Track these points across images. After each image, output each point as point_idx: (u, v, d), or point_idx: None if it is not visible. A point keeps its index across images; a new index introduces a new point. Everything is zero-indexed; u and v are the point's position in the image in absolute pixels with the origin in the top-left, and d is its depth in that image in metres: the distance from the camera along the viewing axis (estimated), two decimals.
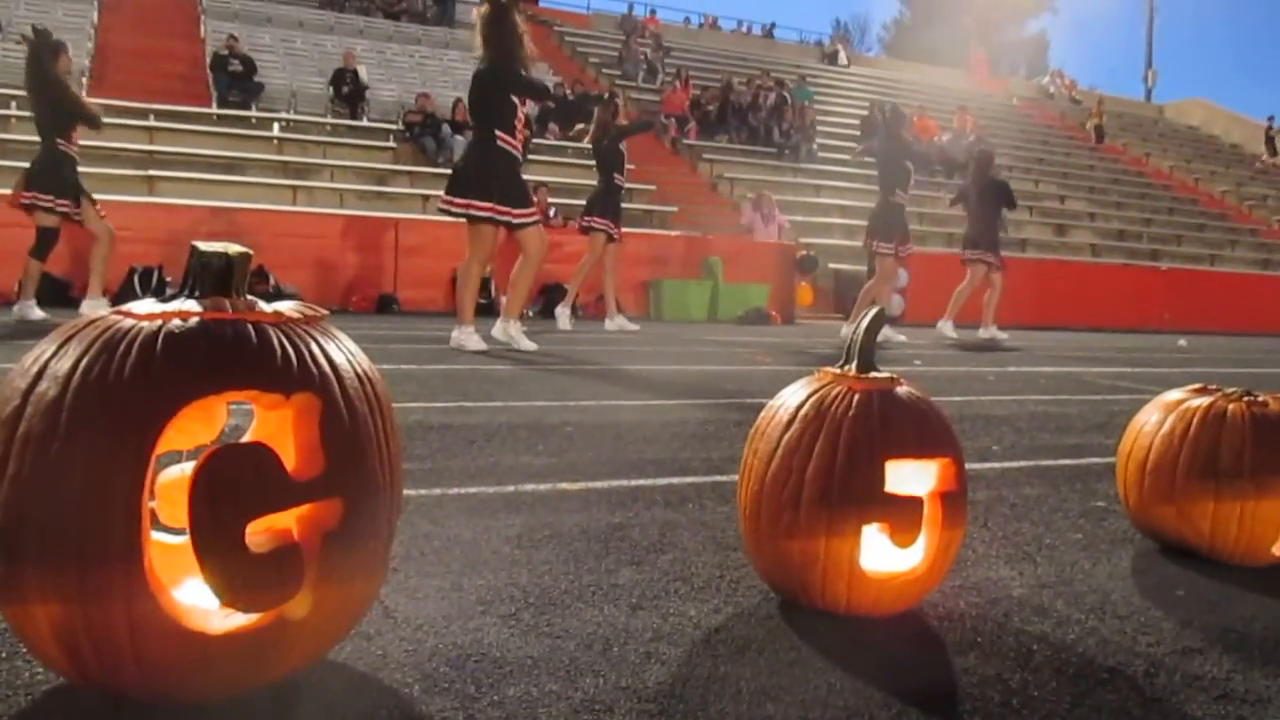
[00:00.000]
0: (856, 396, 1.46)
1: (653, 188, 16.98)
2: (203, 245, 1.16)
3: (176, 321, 1.06)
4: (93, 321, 1.09)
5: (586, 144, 10.20)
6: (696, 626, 1.43)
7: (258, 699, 1.12)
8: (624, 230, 9.99)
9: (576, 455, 2.73)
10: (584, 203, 10.00)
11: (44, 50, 7.36)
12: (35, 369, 1.05)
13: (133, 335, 1.04)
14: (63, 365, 1.03)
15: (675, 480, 2.44)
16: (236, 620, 1.05)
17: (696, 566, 1.73)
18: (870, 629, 1.44)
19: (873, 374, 1.51)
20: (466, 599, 1.50)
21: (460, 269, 6.64)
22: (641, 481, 2.40)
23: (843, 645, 1.38)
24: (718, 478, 2.48)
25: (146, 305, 1.10)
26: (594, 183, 10.08)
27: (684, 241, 14.28)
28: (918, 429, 1.45)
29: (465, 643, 1.33)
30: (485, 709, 1.14)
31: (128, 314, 1.08)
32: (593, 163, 10.14)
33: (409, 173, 15.65)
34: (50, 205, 7.40)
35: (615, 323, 9.81)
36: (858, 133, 21.68)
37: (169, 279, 10.17)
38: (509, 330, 6.68)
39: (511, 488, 2.27)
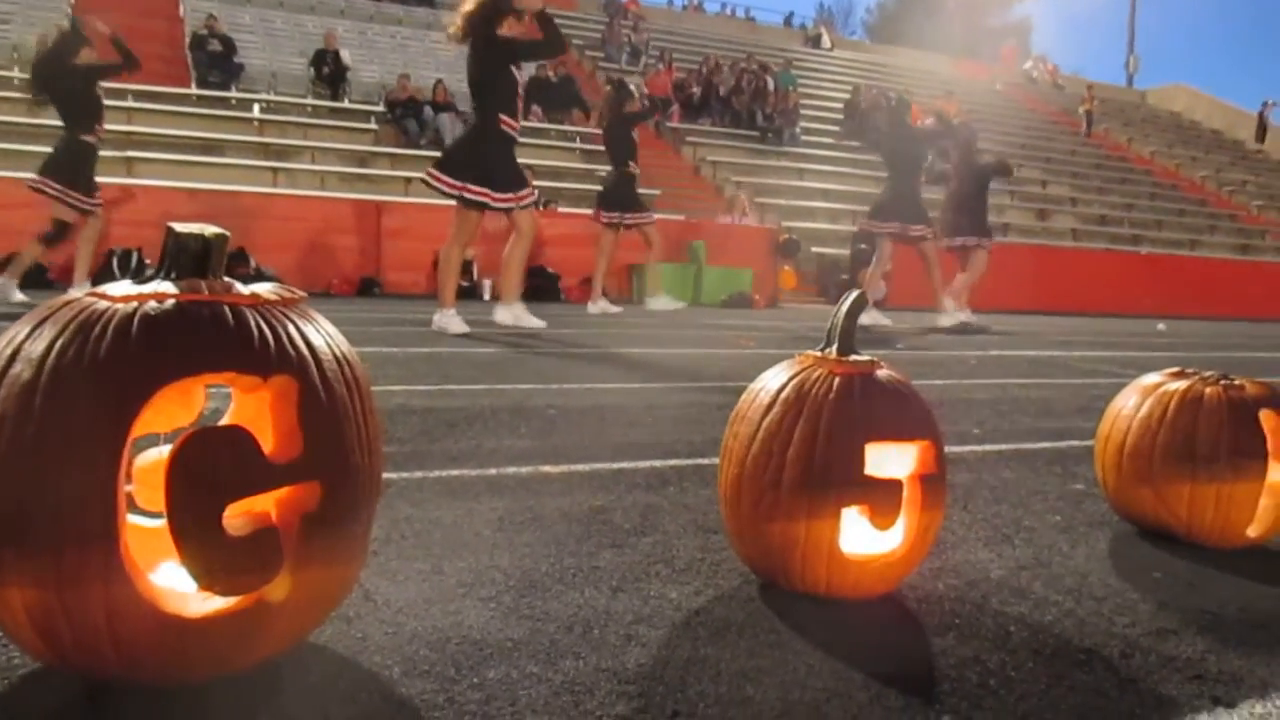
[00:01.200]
0: (837, 380, 1.46)
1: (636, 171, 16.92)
2: (179, 227, 1.14)
3: (153, 304, 1.05)
4: (67, 303, 1.07)
5: (596, 128, 10.18)
6: (677, 609, 1.44)
7: (238, 682, 1.12)
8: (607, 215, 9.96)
9: (559, 438, 2.73)
10: (584, 189, 10.01)
11: (72, 42, 7.32)
12: (9, 351, 1.04)
13: (108, 317, 1.03)
14: (37, 347, 1.02)
15: (657, 463, 2.44)
16: (215, 604, 1.05)
17: (677, 549, 1.73)
18: (850, 611, 1.45)
19: (853, 357, 1.51)
20: (447, 582, 1.50)
21: (442, 252, 6.60)
22: (624, 464, 2.41)
23: (822, 627, 1.39)
24: (700, 460, 2.49)
25: (122, 287, 1.09)
26: (576, 166, 10.06)
27: (667, 226, 14.25)
28: (898, 412, 1.46)
29: (446, 625, 1.33)
30: (465, 691, 1.14)
31: (103, 296, 1.07)
32: (577, 146, 10.11)
33: (391, 154, 15.57)
34: (60, 195, 7.36)
35: (599, 306, 9.81)
36: (840, 116, 21.69)
37: (148, 261, 10.10)
38: (514, 312, 6.66)
39: (493, 470, 2.27)
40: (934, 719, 1.13)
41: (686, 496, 2.12)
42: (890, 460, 1.45)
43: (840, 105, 22.12)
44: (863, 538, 1.44)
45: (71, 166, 7.42)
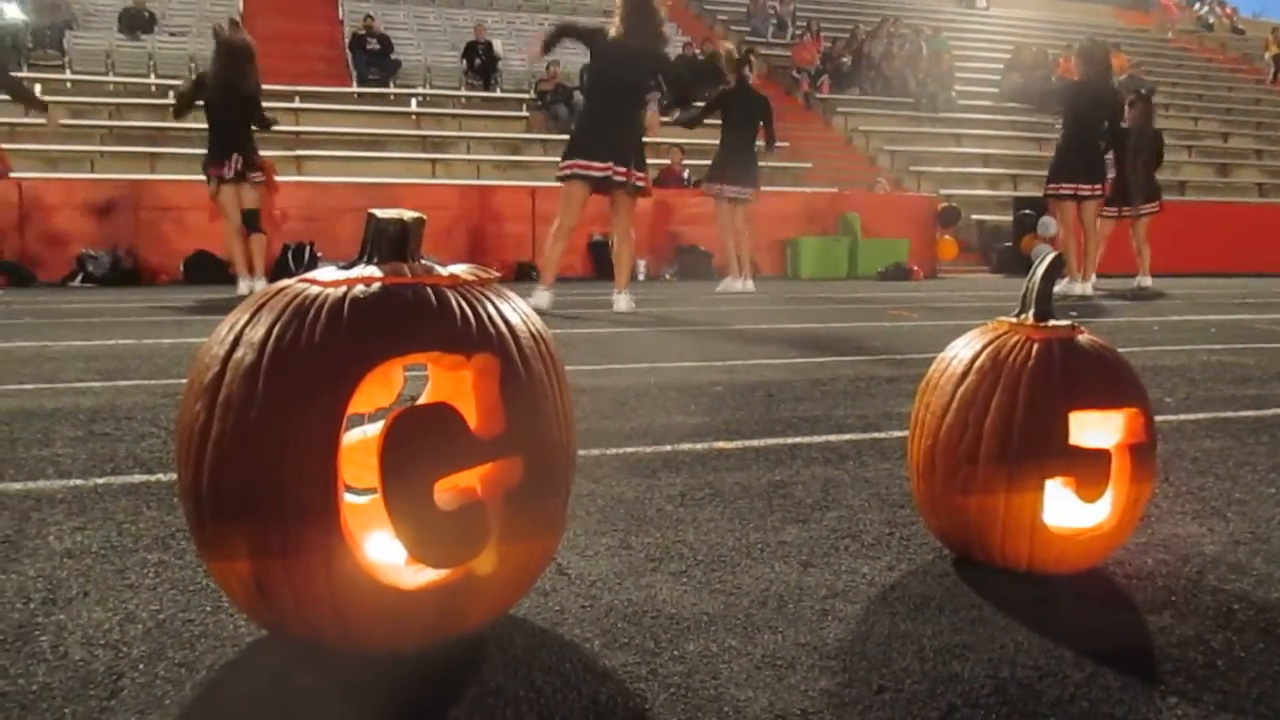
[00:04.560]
0: (1035, 346, 1.39)
1: (785, 144, 16.63)
2: (379, 212, 1.18)
3: (360, 287, 1.09)
4: (281, 290, 1.12)
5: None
6: (870, 584, 1.41)
7: (445, 651, 1.15)
8: (760, 190, 9.64)
9: (729, 414, 2.71)
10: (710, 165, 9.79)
11: (245, 57, 7.77)
12: (231, 337, 1.09)
13: (320, 302, 1.07)
14: (257, 333, 1.07)
15: (833, 438, 2.40)
16: (427, 575, 1.08)
17: (864, 524, 1.70)
18: (1053, 587, 1.39)
19: (1052, 322, 1.44)
20: (636, 556, 1.51)
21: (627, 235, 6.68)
22: (798, 439, 2.38)
23: (1026, 603, 1.33)
24: (876, 435, 2.43)
25: (330, 272, 1.13)
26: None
27: (820, 198, 14.02)
28: (1102, 378, 1.38)
29: (640, 599, 1.34)
30: (667, 664, 1.14)
31: (313, 281, 1.12)
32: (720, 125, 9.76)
33: (542, 141, 15.82)
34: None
35: (723, 284, 9.51)
36: (998, 78, 20.84)
37: (319, 255, 10.57)
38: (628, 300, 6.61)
39: (668, 447, 2.28)
40: (1158, 700, 1.07)
41: (867, 470, 2.08)
42: (1095, 429, 1.37)
43: (999, 66, 21.23)
44: (1067, 510, 1.37)
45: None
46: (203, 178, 8.08)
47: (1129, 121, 9.58)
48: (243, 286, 7.97)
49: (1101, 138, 8.51)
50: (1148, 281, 9.87)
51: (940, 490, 1.43)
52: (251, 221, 8.10)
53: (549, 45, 6.72)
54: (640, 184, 6.41)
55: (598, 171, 6.28)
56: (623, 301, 6.53)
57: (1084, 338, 1.43)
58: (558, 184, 6.60)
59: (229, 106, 7.77)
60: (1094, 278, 8.94)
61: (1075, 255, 8.61)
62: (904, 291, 9.79)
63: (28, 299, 6.49)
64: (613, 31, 6.39)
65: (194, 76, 8.32)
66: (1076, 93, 8.59)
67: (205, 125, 7.97)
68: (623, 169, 6.28)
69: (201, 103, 7.93)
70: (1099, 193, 8.57)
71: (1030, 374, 1.37)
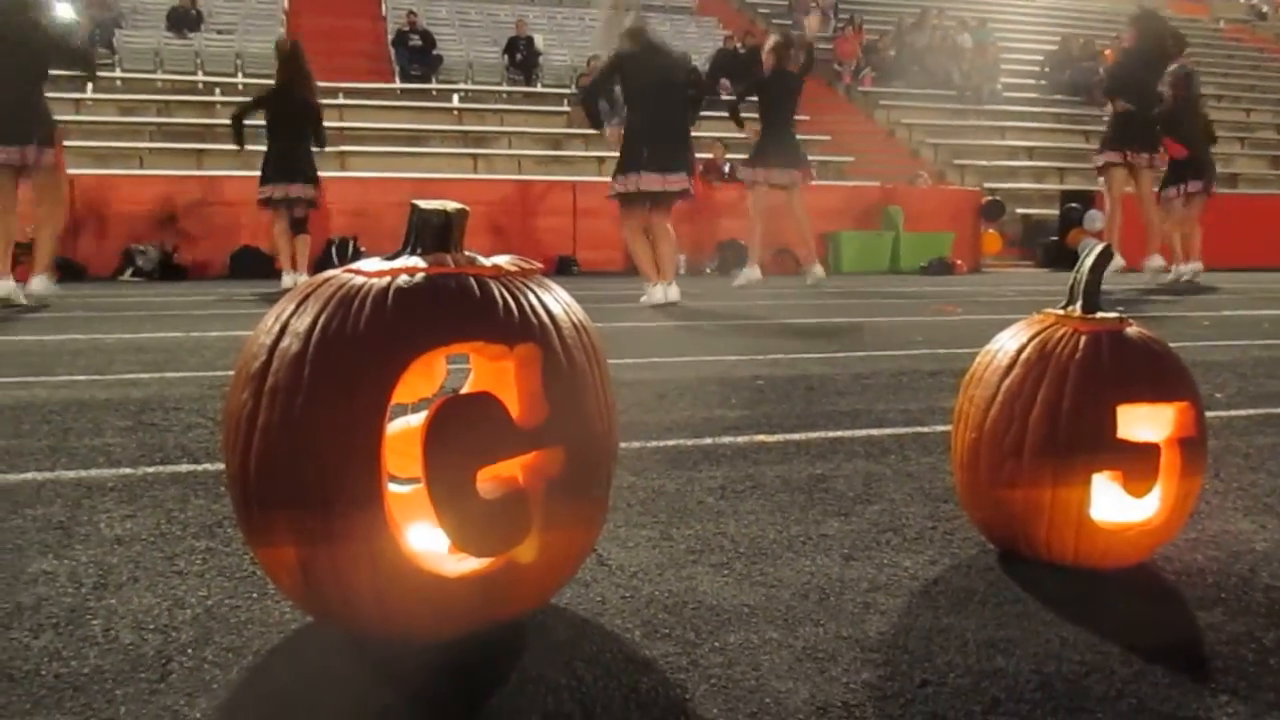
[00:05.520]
0: (1083, 338, 1.37)
1: (827, 138, 16.58)
2: (422, 203, 1.19)
3: (404, 277, 1.10)
4: (326, 280, 1.13)
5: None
6: (913, 578, 1.40)
7: (486, 640, 1.16)
8: (808, 170, 9.45)
9: (770, 408, 2.70)
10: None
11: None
12: (278, 326, 1.10)
13: (365, 291, 1.08)
14: (303, 322, 1.08)
15: (874, 432, 2.38)
16: (469, 564, 1.09)
17: (906, 517, 1.68)
18: (1099, 582, 1.37)
19: (1100, 314, 1.42)
20: (677, 548, 1.51)
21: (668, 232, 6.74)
22: (839, 433, 2.36)
23: (1072, 598, 1.31)
24: (919, 429, 2.41)
25: (374, 263, 1.14)
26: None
27: (862, 192, 13.91)
28: (1152, 371, 1.36)
29: (680, 590, 1.34)
30: (707, 655, 1.14)
31: (358, 271, 1.13)
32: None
33: (583, 135, 15.83)
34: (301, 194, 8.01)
35: (742, 276, 9.36)
36: (1045, 69, 20.55)
37: (363, 249, 10.67)
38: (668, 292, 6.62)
39: (709, 440, 2.28)
40: (1208, 698, 1.05)
41: (909, 464, 2.06)
42: (1144, 423, 1.35)
43: (1043, 57, 20.93)
44: (1115, 505, 1.36)
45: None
46: (248, 173, 8.20)
47: (1173, 99, 9.33)
48: (286, 280, 8.07)
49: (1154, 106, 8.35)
50: (1194, 267, 9.47)
51: (984, 484, 1.41)
52: (298, 223, 8.20)
53: (600, 96, 6.83)
54: (676, 189, 6.45)
55: (647, 186, 6.44)
56: (668, 292, 6.57)
57: (1133, 330, 1.41)
58: (599, 179, 6.66)
59: (294, 121, 7.88)
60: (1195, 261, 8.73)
61: (1116, 233, 8.38)
62: (947, 286, 9.69)
63: (79, 293, 6.62)
64: (629, 43, 6.47)
65: (252, 98, 8.45)
66: (1129, 62, 8.41)
67: (249, 123, 8.05)
68: (667, 178, 6.37)
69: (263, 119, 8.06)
70: (1154, 163, 8.38)
71: (1078, 366, 1.35)
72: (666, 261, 6.70)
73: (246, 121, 7.99)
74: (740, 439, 2.29)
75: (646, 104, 6.59)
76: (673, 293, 6.60)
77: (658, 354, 3.92)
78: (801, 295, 8.01)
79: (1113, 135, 8.46)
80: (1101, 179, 8.81)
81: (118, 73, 15.55)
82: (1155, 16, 8.52)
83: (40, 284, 6.49)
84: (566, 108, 16.85)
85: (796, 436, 2.32)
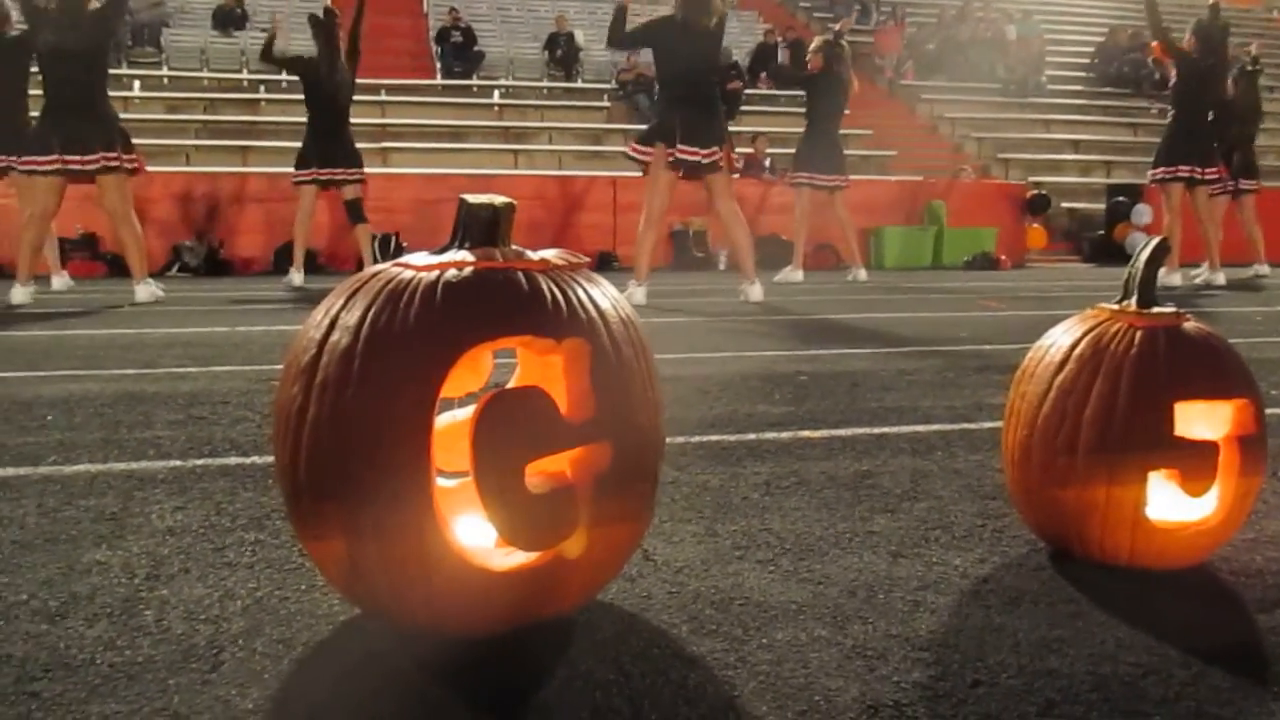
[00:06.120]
0: (1139, 334, 1.35)
1: (869, 132, 16.44)
2: (470, 197, 1.19)
3: (453, 271, 1.10)
4: (375, 274, 1.14)
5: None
6: (963, 576, 1.38)
7: (533, 634, 1.16)
8: (846, 175, 9.40)
9: (813, 404, 2.68)
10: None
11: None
12: (327, 321, 1.11)
13: (414, 286, 1.08)
14: (352, 317, 1.09)
15: (920, 428, 2.36)
16: (517, 558, 1.09)
17: (954, 515, 1.66)
18: (1156, 583, 1.35)
19: (1156, 310, 1.39)
20: (722, 544, 1.51)
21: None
22: (885, 429, 2.34)
23: (1127, 599, 1.29)
24: (965, 425, 2.38)
25: (423, 257, 1.14)
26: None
27: (904, 187, 13.78)
28: (1210, 368, 1.33)
29: (726, 586, 1.33)
30: (755, 651, 1.13)
31: (407, 265, 1.13)
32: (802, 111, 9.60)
33: (624, 131, 15.83)
34: (345, 177, 8.07)
35: (783, 274, 9.27)
36: (1094, 60, 20.24)
37: (405, 245, 10.74)
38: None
39: (752, 436, 2.26)
40: (1270, 702, 1.03)
41: (956, 461, 2.04)
42: (1202, 420, 1.32)
43: (1091, 49, 20.60)
44: (1172, 504, 1.33)
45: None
46: (279, 170, 8.25)
47: (1234, 95, 9.13)
48: (295, 279, 8.11)
49: (1209, 116, 8.20)
50: (1264, 269, 9.22)
51: (1036, 482, 1.39)
52: (355, 212, 8.21)
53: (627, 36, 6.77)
54: (706, 160, 6.14)
55: (680, 155, 6.18)
56: (754, 291, 6.32)
57: (1190, 325, 1.38)
58: (639, 175, 6.54)
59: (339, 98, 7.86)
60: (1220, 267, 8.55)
61: (1177, 242, 8.23)
62: (991, 281, 9.57)
63: (127, 289, 6.71)
64: (673, 12, 6.31)
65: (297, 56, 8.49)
66: (1190, 72, 8.26)
67: (293, 119, 8.12)
68: (702, 150, 6.15)
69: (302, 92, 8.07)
70: (1213, 176, 8.22)
71: (1133, 362, 1.32)
72: (744, 252, 6.50)
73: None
74: (784, 434, 2.28)
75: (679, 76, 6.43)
76: (754, 293, 6.32)
77: (698, 349, 3.91)
78: (842, 291, 7.95)
79: (1169, 148, 8.24)
80: (1161, 191, 8.61)
81: (164, 71, 15.79)
82: (1221, 28, 8.36)
83: (144, 290, 6.52)
84: (607, 103, 16.86)
85: (841, 432, 2.31)
